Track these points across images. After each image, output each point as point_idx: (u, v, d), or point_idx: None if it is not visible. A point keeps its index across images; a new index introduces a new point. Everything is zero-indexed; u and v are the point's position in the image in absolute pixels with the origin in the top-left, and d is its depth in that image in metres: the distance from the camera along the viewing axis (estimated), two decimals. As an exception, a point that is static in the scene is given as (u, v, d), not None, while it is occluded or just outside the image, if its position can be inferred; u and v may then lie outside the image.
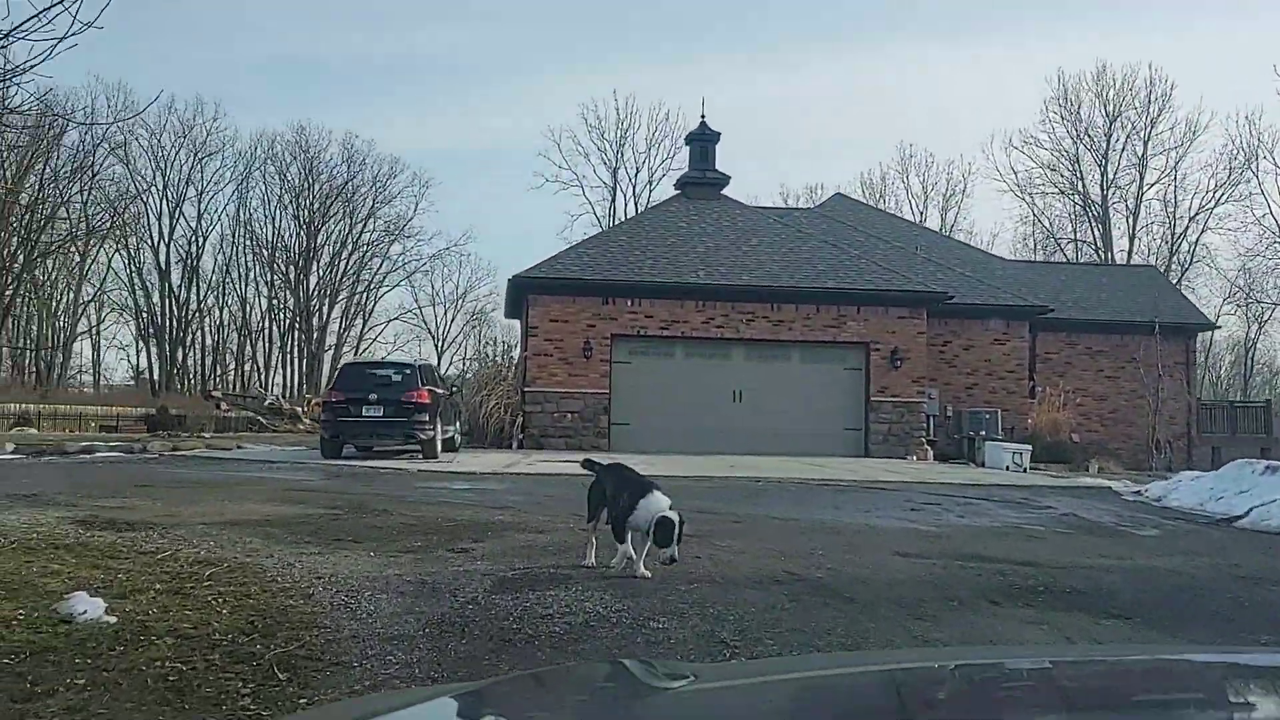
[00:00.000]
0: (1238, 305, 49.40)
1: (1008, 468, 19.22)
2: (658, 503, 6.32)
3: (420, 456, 16.32)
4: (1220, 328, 30.22)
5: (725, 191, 25.31)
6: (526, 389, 21.73)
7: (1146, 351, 25.50)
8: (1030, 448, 19.69)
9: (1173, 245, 53.73)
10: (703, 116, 25.30)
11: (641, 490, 6.49)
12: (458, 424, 19.65)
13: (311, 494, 10.87)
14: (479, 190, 73.84)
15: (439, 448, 16.51)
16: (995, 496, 13.58)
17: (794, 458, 20.08)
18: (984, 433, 21.67)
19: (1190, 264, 52.16)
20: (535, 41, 71.18)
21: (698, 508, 11.22)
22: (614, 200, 52.83)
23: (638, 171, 53.46)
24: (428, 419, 16.00)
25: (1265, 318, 55.43)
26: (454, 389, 20.04)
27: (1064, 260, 46.26)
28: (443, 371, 26.78)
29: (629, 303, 21.94)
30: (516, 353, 26.67)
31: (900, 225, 31.15)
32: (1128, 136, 51.73)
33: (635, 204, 49.81)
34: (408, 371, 16.56)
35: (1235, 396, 46.67)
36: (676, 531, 6.21)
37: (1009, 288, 25.60)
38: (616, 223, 34.14)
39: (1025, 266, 30.75)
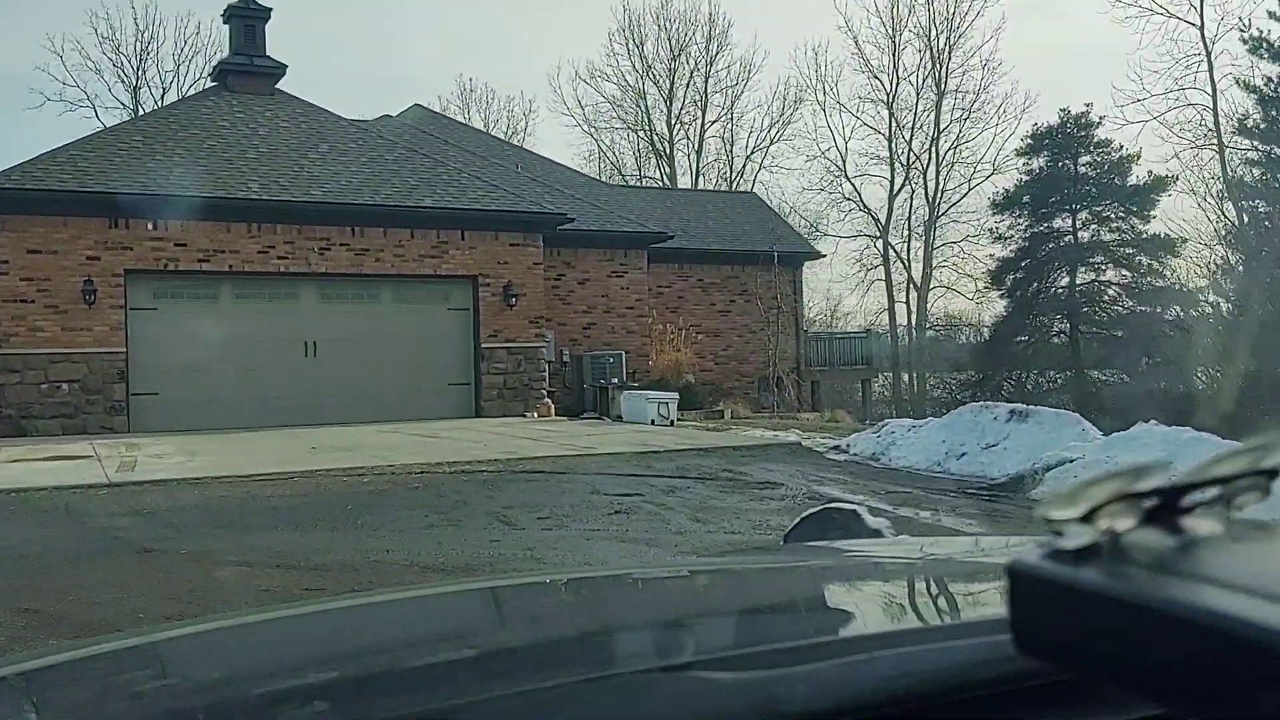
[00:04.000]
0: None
1: (653, 421, 16.10)
2: None
3: None
4: (825, 256, 29.89)
5: (281, 86, 19.64)
6: (-4, 351, 15.01)
7: (762, 282, 23.79)
8: (677, 396, 16.72)
9: (731, 183, 55.03)
10: (245, -16, 19.36)
11: None
12: None
13: None
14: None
15: None
16: (691, 471, 10.09)
17: (391, 424, 15.53)
18: (615, 380, 18.44)
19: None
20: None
21: (276, 550, 6.43)
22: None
23: (164, 93, 44.30)
24: None
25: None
26: None
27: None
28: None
29: (150, 225, 15.85)
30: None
31: (492, 143, 27.08)
32: (691, 73, 51.67)
33: (161, 122, 41.11)
34: None
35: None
36: None
37: (620, 212, 22.59)
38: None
39: (630, 191, 28.12)
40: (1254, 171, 23.29)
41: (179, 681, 1.04)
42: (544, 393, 18.37)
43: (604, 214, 21.75)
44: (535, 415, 17.76)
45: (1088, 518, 0.47)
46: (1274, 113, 21.50)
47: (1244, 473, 0.47)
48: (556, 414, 18.18)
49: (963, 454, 10.00)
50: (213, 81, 20.46)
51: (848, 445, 11.67)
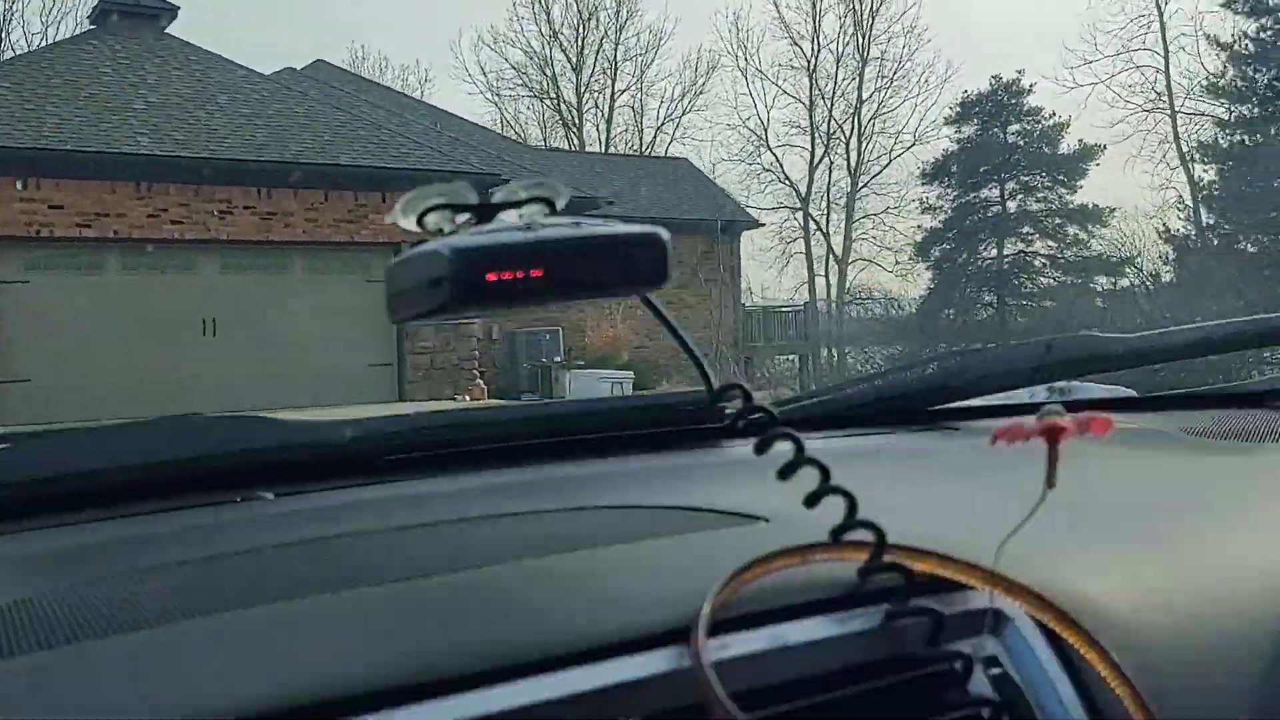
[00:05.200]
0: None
1: (605, 404, 14.64)
2: None
3: None
4: (764, 225, 28.80)
5: (173, 30, 17.39)
6: None
7: (700, 253, 22.49)
8: (632, 375, 15.29)
9: (641, 154, 53.53)
10: (125, -87, 17.01)
11: None
12: None
13: None
14: None
15: None
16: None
17: (307, 411, 13.68)
18: (557, 359, 16.90)
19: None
20: None
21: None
22: None
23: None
24: None
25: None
26: None
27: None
28: None
29: (19, 184, 13.63)
30: None
31: (406, 101, 25.06)
32: (600, 40, 49.86)
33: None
34: None
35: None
36: None
37: (553, 177, 20.92)
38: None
39: (558, 155, 26.46)
40: (1224, 133, 22.57)
41: None
42: (475, 373, 16.71)
43: (532, 178, 20.07)
44: (468, 398, 16.11)
45: (421, 223, 0.60)
46: (1248, 71, 20.95)
47: (531, 198, 0.61)
48: (490, 396, 16.56)
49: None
50: (91, 24, 18.04)
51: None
